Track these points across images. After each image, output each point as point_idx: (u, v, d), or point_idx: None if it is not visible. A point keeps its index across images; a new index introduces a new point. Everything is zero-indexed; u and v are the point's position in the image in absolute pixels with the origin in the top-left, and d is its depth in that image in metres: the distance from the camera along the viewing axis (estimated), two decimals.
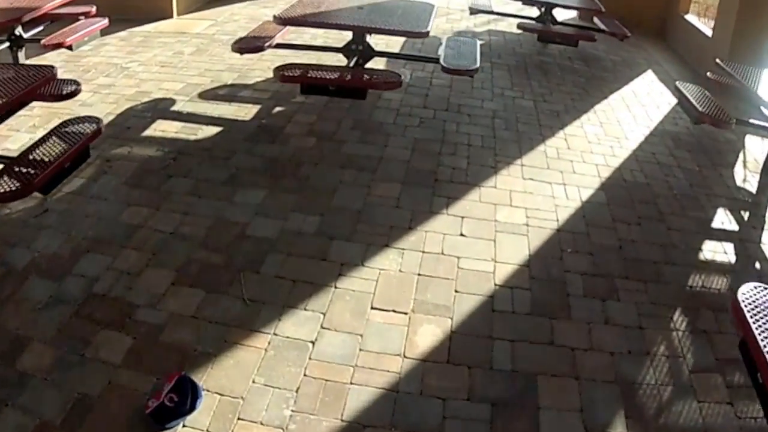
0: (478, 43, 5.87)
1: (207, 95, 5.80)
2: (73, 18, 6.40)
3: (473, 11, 7.87)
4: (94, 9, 6.53)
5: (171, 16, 8.18)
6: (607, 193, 4.59)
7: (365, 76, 4.95)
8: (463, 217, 4.17)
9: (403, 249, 3.82)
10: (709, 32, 7.62)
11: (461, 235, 4.00)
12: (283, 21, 5.13)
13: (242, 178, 4.46)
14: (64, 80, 4.70)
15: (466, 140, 5.18)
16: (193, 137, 5.02)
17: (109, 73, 6.30)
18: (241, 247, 3.75)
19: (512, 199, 4.42)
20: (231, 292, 3.39)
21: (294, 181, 4.44)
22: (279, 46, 5.81)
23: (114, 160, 4.69)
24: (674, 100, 6.29)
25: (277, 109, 5.56)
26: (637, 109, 6.27)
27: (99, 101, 5.63)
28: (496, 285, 3.57)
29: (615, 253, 3.92)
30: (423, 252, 3.80)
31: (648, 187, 4.75)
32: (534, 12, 8.21)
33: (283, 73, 4.87)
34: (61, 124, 4.10)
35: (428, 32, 5.02)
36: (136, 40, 7.35)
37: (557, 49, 7.87)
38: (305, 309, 3.29)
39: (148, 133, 5.10)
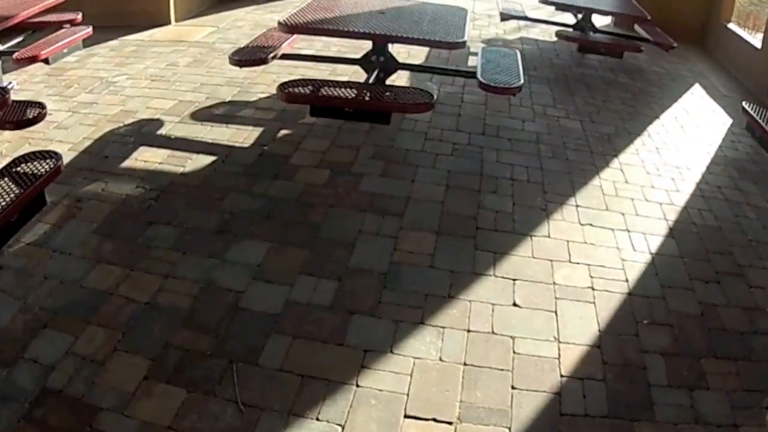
0: (519, 54, 4.94)
1: (201, 115, 4.90)
2: (58, 27, 5.55)
3: (504, 17, 6.95)
4: (79, 16, 5.66)
5: (169, 23, 7.29)
6: (678, 242, 3.72)
7: (389, 95, 4.03)
8: (514, 280, 3.27)
9: (443, 327, 2.93)
10: (757, 43, 6.75)
11: (514, 305, 3.10)
12: (290, 28, 4.23)
13: (238, 225, 3.56)
14: (28, 103, 3.84)
15: (509, 173, 4.25)
16: (180, 170, 4.12)
17: (92, 88, 5.41)
18: (235, 325, 2.87)
19: (571, 253, 3.51)
20: (220, 391, 2.53)
21: (302, 231, 3.53)
22: (285, 57, 4.91)
23: (85, 199, 3.81)
24: (729, 120, 5.61)
25: (283, 132, 4.65)
26: (692, 130, 5.37)
27: (76, 123, 4.76)
28: (562, 376, 2.72)
29: (697, 322, 3.09)
30: (468, 331, 2.92)
31: (720, 231, 3.89)
32: (569, 18, 7.30)
33: (288, 90, 3.96)
34: (15, 160, 3.23)
35: (465, 42, 4.11)
36: (128, 50, 6.47)
37: (596, 59, 6.95)
38: (317, 418, 2.45)
39: (128, 163, 4.21)
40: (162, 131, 4.64)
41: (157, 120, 4.82)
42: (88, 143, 4.47)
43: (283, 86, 4.02)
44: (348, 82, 4.19)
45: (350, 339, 2.82)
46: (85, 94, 5.31)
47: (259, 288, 3.10)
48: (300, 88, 4.02)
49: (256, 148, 4.41)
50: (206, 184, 3.96)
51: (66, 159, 3.96)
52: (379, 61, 4.68)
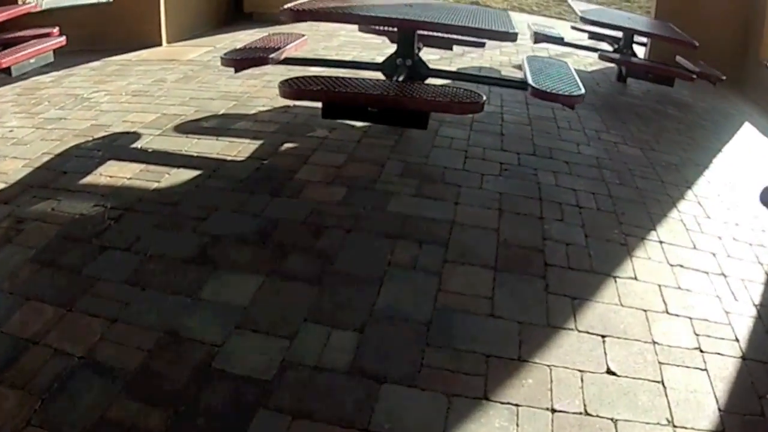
0: (570, 64, 4.03)
1: (186, 128, 3.96)
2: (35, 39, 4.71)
3: (538, 39, 6.09)
4: (56, 30, 4.79)
5: (159, 44, 6.44)
6: None
7: (423, 93, 3.07)
8: (603, 337, 2.28)
9: (517, 405, 1.94)
10: None
11: (609, 372, 2.13)
12: (296, 15, 3.32)
13: (221, 253, 2.57)
14: None
15: (574, 198, 3.28)
16: (153, 185, 3.16)
17: (63, 105, 4.50)
18: (205, 394, 1.87)
19: (667, 302, 2.54)
20: None
21: (309, 261, 2.54)
22: (290, 61, 4.00)
23: (29, 220, 2.87)
24: None
25: (287, 145, 3.69)
26: (762, 166, 4.46)
27: (38, 138, 3.83)
28: None
29: None
30: (552, 411, 1.92)
31: None
32: (602, 46, 6.48)
33: (292, 86, 3.01)
34: None
35: (516, 34, 3.19)
36: (110, 69, 5.59)
37: (640, 90, 6.07)
38: None
39: (89, 179, 3.25)
40: (137, 144, 3.70)
41: (133, 133, 3.88)
42: (46, 158, 3.54)
43: (287, 82, 3.08)
44: (371, 79, 3.24)
45: (378, 421, 1.81)
46: (54, 110, 4.40)
47: (243, 341, 2.11)
48: (309, 83, 3.07)
49: (252, 162, 3.45)
50: (184, 202, 2.99)
51: (17, 176, 3.24)
52: (406, 65, 3.76)
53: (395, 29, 3.56)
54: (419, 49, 4.06)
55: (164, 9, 6.38)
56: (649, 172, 3.85)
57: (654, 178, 3.76)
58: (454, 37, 4.49)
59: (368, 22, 3.38)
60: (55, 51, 4.64)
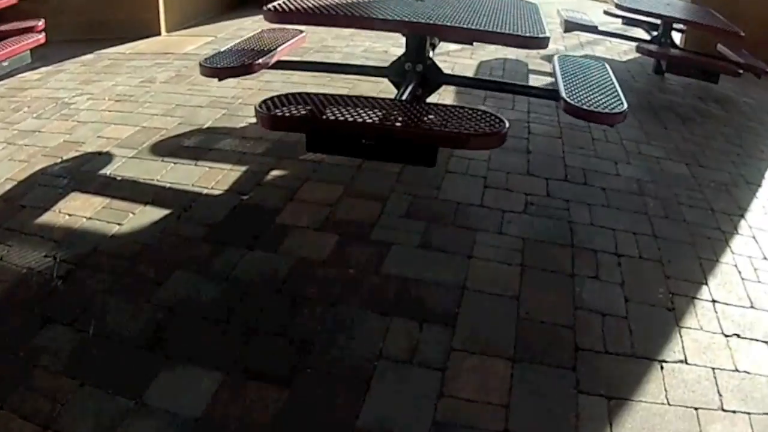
0: (608, 66, 3.43)
1: (165, 147, 3.46)
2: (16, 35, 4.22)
3: (569, 28, 5.44)
4: (41, 24, 4.30)
5: (158, 33, 5.92)
6: None
7: (433, 117, 2.50)
8: None
9: None
10: None
11: None
12: (281, 17, 2.76)
13: (176, 335, 2.09)
14: None
15: (612, 243, 2.71)
16: (114, 229, 2.67)
17: (42, 112, 4.02)
18: None
19: (722, 392, 2.01)
20: None
21: (280, 350, 2.04)
22: (282, 65, 3.45)
23: None
24: None
25: (274, 173, 3.17)
26: None
27: (6, 158, 3.38)
28: None
29: None
30: None
31: None
32: (637, 32, 5.82)
33: (269, 111, 2.48)
34: None
35: (547, 39, 2.58)
36: (101, 65, 5.09)
37: (679, 84, 5.42)
38: None
39: (47, 218, 2.79)
40: (107, 170, 3.20)
41: (106, 154, 3.39)
42: (9, 186, 3.08)
43: (266, 105, 2.54)
44: (369, 98, 2.68)
45: None
46: (32, 119, 3.93)
47: None
48: (292, 107, 2.53)
49: (230, 197, 2.93)
50: (144, 255, 2.49)
51: None
52: (416, 71, 3.19)
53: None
54: (434, 47, 3.47)
55: None
56: (697, 197, 3.26)
57: (703, 206, 3.18)
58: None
59: (370, 26, 2.80)
60: (32, 50, 4.14)
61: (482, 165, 3.27)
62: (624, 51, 6.14)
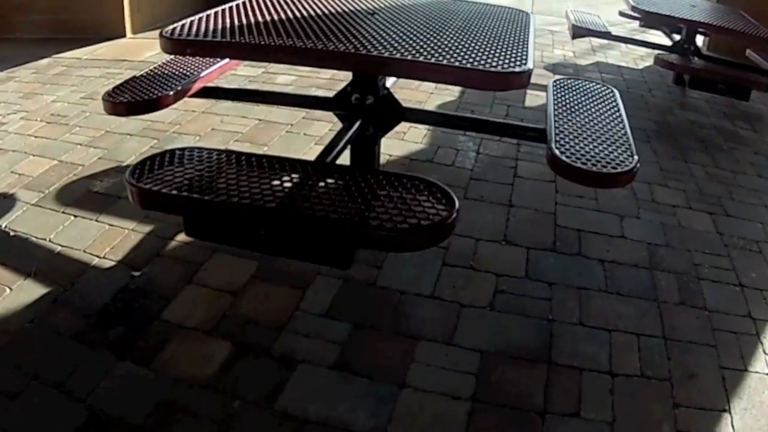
0: (618, 95, 2.63)
1: (71, 193, 2.77)
2: None
3: (578, 33, 4.62)
4: None
5: (123, 35, 5.22)
6: None
7: (352, 199, 1.71)
8: None
9: None
10: None
11: None
12: (178, 47, 2.00)
13: None
14: None
15: (605, 354, 1.95)
16: None
17: None
18: None
19: None
20: None
21: None
22: (207, 93, 2.73)
23: None
24: None
25: (180, 239, 2.43)
26: None
27: None
28: None
29: None
30: None
31: None
32: (653, 35, 4.99)
33: (139, 182, 1.75)
34: None
35: (528, 73, 1.77)
36: (52, 73, 4.41)
37: (702, 97, 4.58)
38: None
39: None
40: (2, 221, 2.52)
41: (10, 197, 2.72)
42: None
43: (138, 171, 1.82)
44: (285, 161, 1.92)
45: None
46: None
47: None
48: (174, 175, 1.80)
49: (120, 273, 2.22)
50: (6, 353, 1.81)
51: None
52: (366, 105, 2.43)
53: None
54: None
55: None
56: (722, 266, 2.47)
57: (729, 279, 2.40)
58: None
59: (298, 59, 2.06)
60: None
61: None
62: (640, 56, 5.30)
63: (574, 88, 2.66)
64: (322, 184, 1.77)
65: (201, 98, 2.84)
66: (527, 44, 2.05)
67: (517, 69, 1.76)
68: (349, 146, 2.49)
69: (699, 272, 2.40)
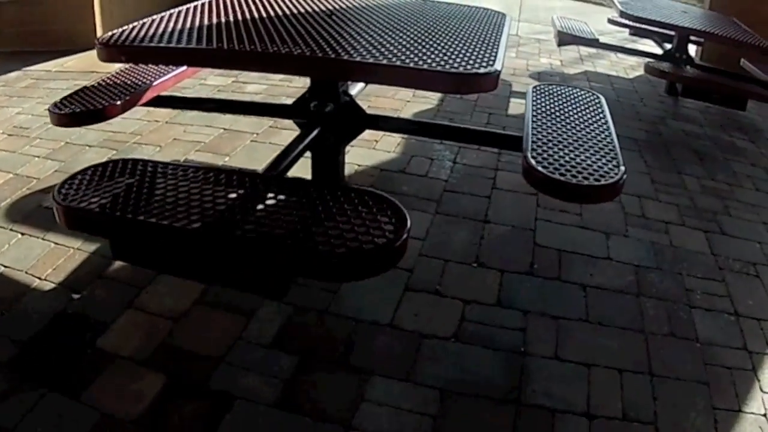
0: (604, 101, 2.43)
1: (21, 209, 2.57)
2: None
3: (564, 41, 4.42)
4: None
5: (94, 46, 4.99)
6: None
7: (293, 218, 1.46)
8: None
9: None
10: None
11: None
12: (114, 55, 1.79)
13: None
14: None
15: (583, 392, 1.73)
16: None
17: None
18: None
19: None
20: None
21: None
22: (161, 101, 2.54)
23: None
24: None
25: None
26: None
27: None
28: None
29: None
30: None
31: None
32: (644, 44, 4.80)
33: (65, 200, 1.55)
34: None
35: (495, 74, 1.55)
36: (21, 86, 4.22)
37: (696, 108, 4.37)
38: None
39: None
40: None
41: None
42: None
43: (65, 188, 1.61)
44: (233, 173, 1.70)
45: None
46: None
47: None
48: (106, 191, 1.59)
49: (59, 296, 2.00)
50: None
51: None
52: (325, 112, 2.23)
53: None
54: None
55: (99, 4, 4.95)
56: (716, 291, 2.25)
57: (724, 307, 2.17)
58: None
59: (233, 64, 1.87)
60: None
61: (413, 245, 2.30)
62: (631, 66, 5.09)
63: (555, 94, 2.46)
64: (260, 204, 1.55)
65: (154, 107, 2.65)
66: (497, 45, 1.84)
67: (481, 70, 1.56)
68: (309, 156, 2.30)
69: (691, 299, 2.17)
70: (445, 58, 1.59)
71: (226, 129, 3.26)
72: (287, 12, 2.09)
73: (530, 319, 1.95)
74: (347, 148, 2.95)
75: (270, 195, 1.58)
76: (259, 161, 2.94)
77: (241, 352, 1.76)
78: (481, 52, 1.72)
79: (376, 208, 1.49)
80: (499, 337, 1.87)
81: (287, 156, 2.08)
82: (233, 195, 1.58)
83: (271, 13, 2.06)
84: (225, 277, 1.55)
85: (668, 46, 4.63)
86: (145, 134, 3.19)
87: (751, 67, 4.50)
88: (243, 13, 2.03)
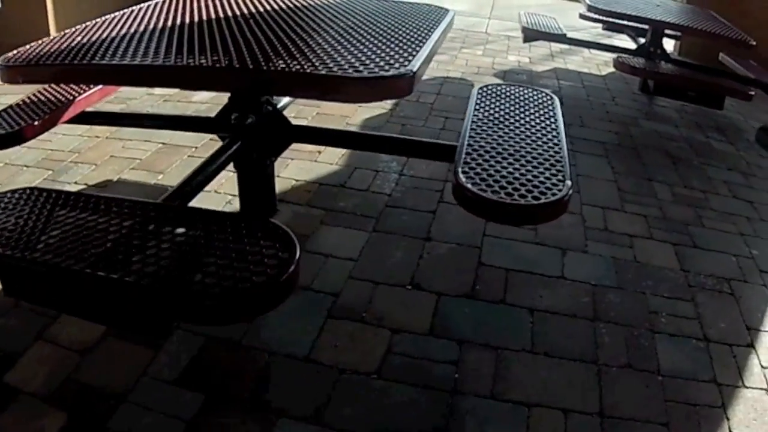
0: (557, 102, 2.26)
1: None
2: None
3: (529, 36, 4.28)
4: None
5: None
6: None
7: (179, 253, 1.27)
8: None
9: None
10: None
11: None
12: (13, 74, 1.59)
13: None
14: None
15: None
16: None
17: None
18: None
19: None
20: None
21: None
22: (86, 118, 2.39)
23: None
24: None
25: None
26: None
27: None
28: None
29: None
30: None
31: None
32: (620, 39, 4.68)
33: None
34: None
35: (407, 76, 1.36)
36: None
37: (672, 106, 4.25)
38: None
39: None
40: None
41: None
42: None
43: None
44: (135, 204, 1.50)
45: None
46: None
47: None
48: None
49: None
50: None
51: None
52: (246, 125, 2.05)
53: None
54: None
55: (53, 15, 4.75)
56: (685, 313, 2.09)
57: (692, 331, 2.01)
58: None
59: (159, 82, 1.71)
60: None
61: (343, 266, 2.12)
62: (604, 62, 4.97)
63: (504, 96, 2.29)
64: (147, 239, 1.36)
65: (78, 124, 2.50)
66: (423, 43, 1.67)
67: (390, 72, 1.38)
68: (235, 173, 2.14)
69: (654, 323, 2.01)
70: (354, 62, 1.43)
71: (165, 143, 3.07)
72: (228, 14, 1.95)
73: (466, 350, 1.78)
74: (287, 161, 2.80)
75: (159, 228, 1.40)
76: None
77: (146, 389, 1.59)
78: (400, 51, 1.55)
79: (264, 240, 1.31)
80: (429, 372, 1.70)
81: (199, 175, 1.91)
82: (125, 229, 1.40)
83: (207, 16, 1.92)
84: (107, 316, 1.37)
85: (642, 40, 4.51)
86: (83, 152, 2.98)
87: (730, 62, 4.40)
88: (174, 18, 1.87)
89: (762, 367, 1.87)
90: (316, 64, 1.42)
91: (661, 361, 1.83)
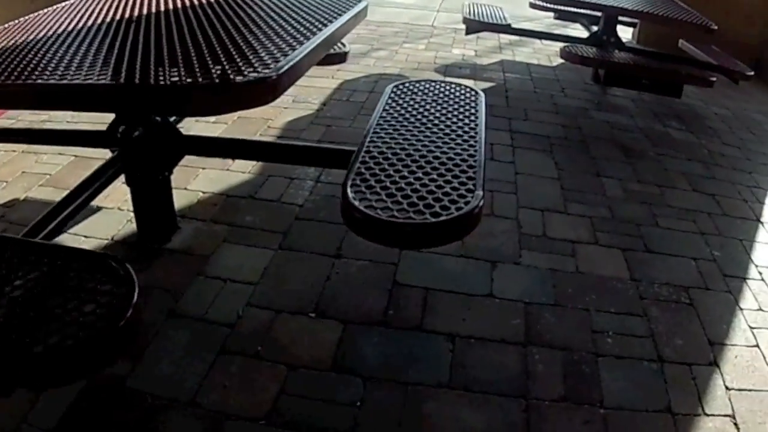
0: (483, 99, 2.07)
1: None
2: None
3: (471, 28, 4.11)
4: None
5: None
6: None
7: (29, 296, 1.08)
8: None
9: None
10: None
11: None
12: None
13: None
14: None
15: None
16: None
17: None
18: None
19: None
20: None
21: None
22: None
23: None
24: None
25: None
26: None
27: None
28: None
29: None
30: None
31: None
32: (574, 29, 4.53)
33: None
34: None
35: (269, 79, 1.18)
36: None
37: (627, 96, 4.12)
38: None
39: None
40: None
41: None
42: None
43: None
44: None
45: None
46: None
47: None
48: None
49: None
50: None
51: None
52: (133, 138, 1.84)
53: None
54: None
55: None
56: (634, 334, 1.90)
57: (643, 355, 1.83)
58: None
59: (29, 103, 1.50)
60: None
61: (242, 292, 1.90)
62: (555, 53, 4.82)
63: (421, 93, 2.09)
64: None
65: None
66: (308, 39, 1.46)
67: (238, 78, 1.18)
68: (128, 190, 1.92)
69: (598, 345, 1.82)
70: (231, 57, 1.24)
71: (77, 156, 2.83)
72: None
73: (371, 388, 1.57)
74: (198, 171, 2.59)
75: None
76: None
77: None
78: (273, 52, 1.35)
79: (98, 279, 1.09)
80: (325, 416, 1.48)
81: (70, 204, 1.70)
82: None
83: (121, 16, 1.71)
84: None
85: (595, 28, 4.38)
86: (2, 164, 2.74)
87: (690, 48, 4.29)
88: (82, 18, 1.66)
89: (727, 388, 1.70)
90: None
91: (605, 391, 1.64)
